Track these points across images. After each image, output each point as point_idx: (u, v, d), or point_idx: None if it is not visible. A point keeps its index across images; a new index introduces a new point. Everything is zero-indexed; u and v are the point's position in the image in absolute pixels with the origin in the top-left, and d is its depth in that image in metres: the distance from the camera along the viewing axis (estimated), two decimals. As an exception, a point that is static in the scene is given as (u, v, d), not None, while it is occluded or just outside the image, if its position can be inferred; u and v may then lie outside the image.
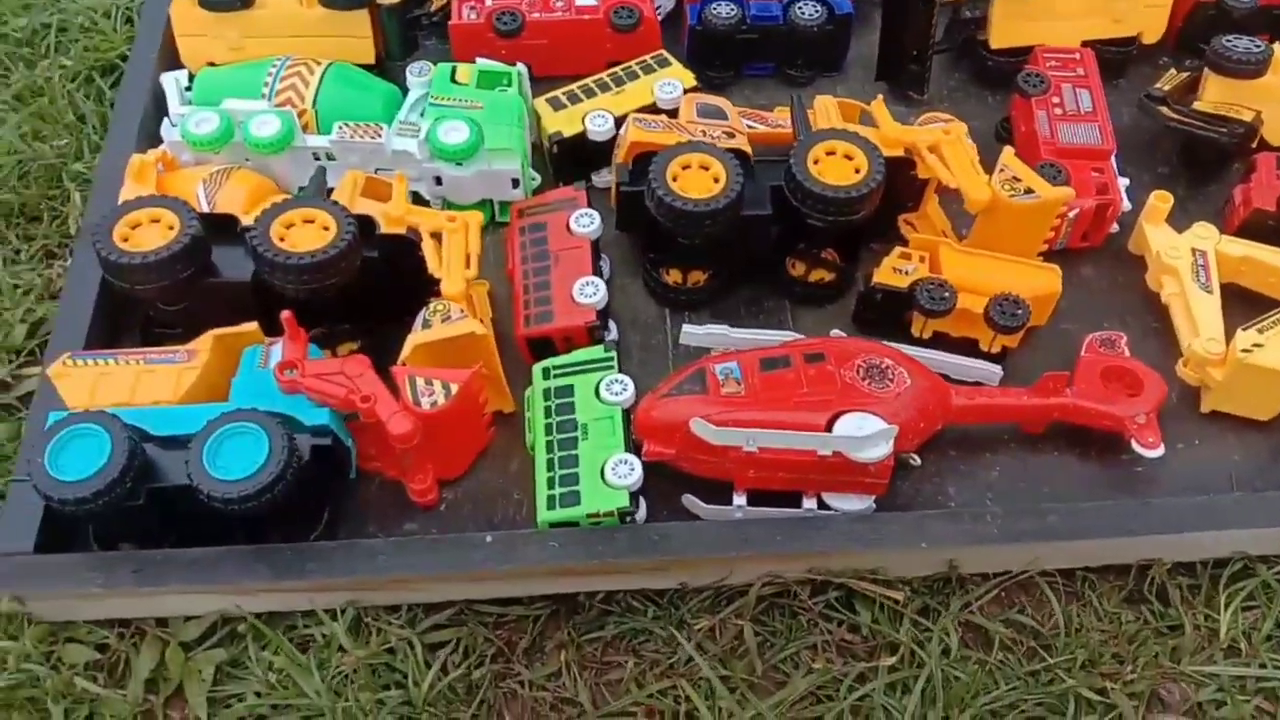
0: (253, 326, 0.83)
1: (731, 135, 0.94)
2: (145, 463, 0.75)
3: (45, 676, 0.77)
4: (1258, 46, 0.97)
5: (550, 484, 0.80)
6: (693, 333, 0.89)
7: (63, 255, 1.01)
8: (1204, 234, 0.92)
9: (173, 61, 1.06)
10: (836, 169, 0.87)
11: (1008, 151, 0.92)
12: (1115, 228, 0.99)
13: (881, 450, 0.78)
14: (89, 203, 0.97)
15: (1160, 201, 0.94)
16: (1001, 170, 0.91)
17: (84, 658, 0.79)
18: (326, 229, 0.83)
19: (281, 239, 0.82)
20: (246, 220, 0.87)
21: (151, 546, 0.79)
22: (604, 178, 1.02)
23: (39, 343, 0.96)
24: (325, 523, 0.82)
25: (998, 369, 0.90)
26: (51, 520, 0.80)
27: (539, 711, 0.79)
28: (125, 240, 0.81)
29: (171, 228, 0.82)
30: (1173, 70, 1.03)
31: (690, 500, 0.83)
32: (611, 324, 0.92)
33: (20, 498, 0.81)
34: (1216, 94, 1.00)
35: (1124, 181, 0.98)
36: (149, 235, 0.82)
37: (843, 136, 0.89)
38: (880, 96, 0.96)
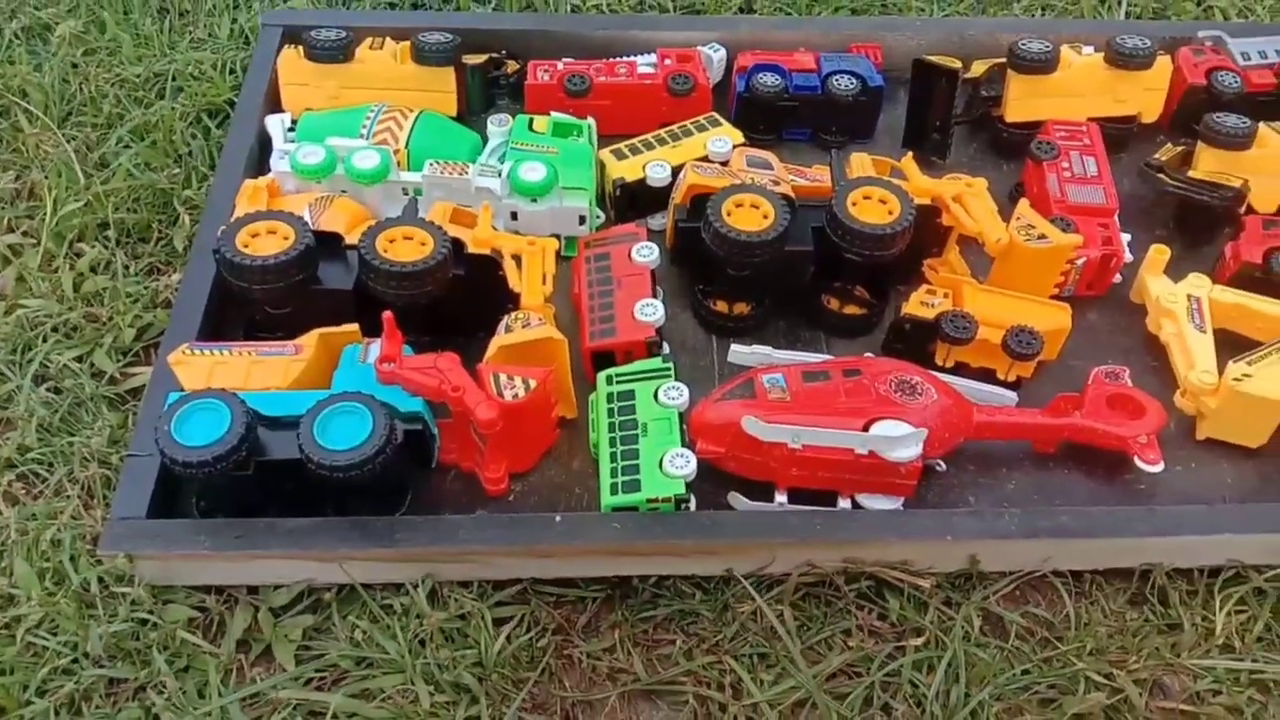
0: (353, 327, 0.94)
1: (777, 183, 1.06)
2: (258, 437, 0.85)
3: (153, 623, 0.85)
4: (1244, 123, 1.11)
5: (613, 473, 0.89)
6: (740, 352, 1.00)
7: (167, 272, 1.12)
8: (1198, 283, 1.04)
9: (276, 106, 1.19)
10: (872, 210, 0.99)
11: (1023, 203, 1.04)
12: (1118, 279, 1.10)
13: (912, 451, 0.87)
14: (200, 223, 1.08)
15: (1159, 254, 1.05)
16: (1018, 219, 1.02)
17: (184, 616, 0.87)
18: (424, 244, 0.94)
19: (385, 250, 0.93)
20: (350, 240, 0.98)
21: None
22: (659, 221, 1.13)
23: (144, 345, 1.06)
24: (408, 504, 0.91)
25: (1013, 395, 0.99)
26: (161, 491, 0.89)
27: (595, 680, 0.86)
28: (246, 246, 0.92)
29: (287, 238, 0.93)
30: (1169, 144, 1.16)
31: (735, 497, 0.93)
32: (665, 346, 1.02)
33: (135, 471, 0.90)
34: (1209, 164, 1.12)
35: (1126, 237, 1.09)
36: (267, 243, 0.93)
37: (878, 183, 1.01)
38: (910, 154, 1.09)
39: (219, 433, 0.82)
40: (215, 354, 0.92)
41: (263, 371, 0.91)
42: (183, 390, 0.89)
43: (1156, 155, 1.14)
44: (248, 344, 0.93)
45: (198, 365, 0.91)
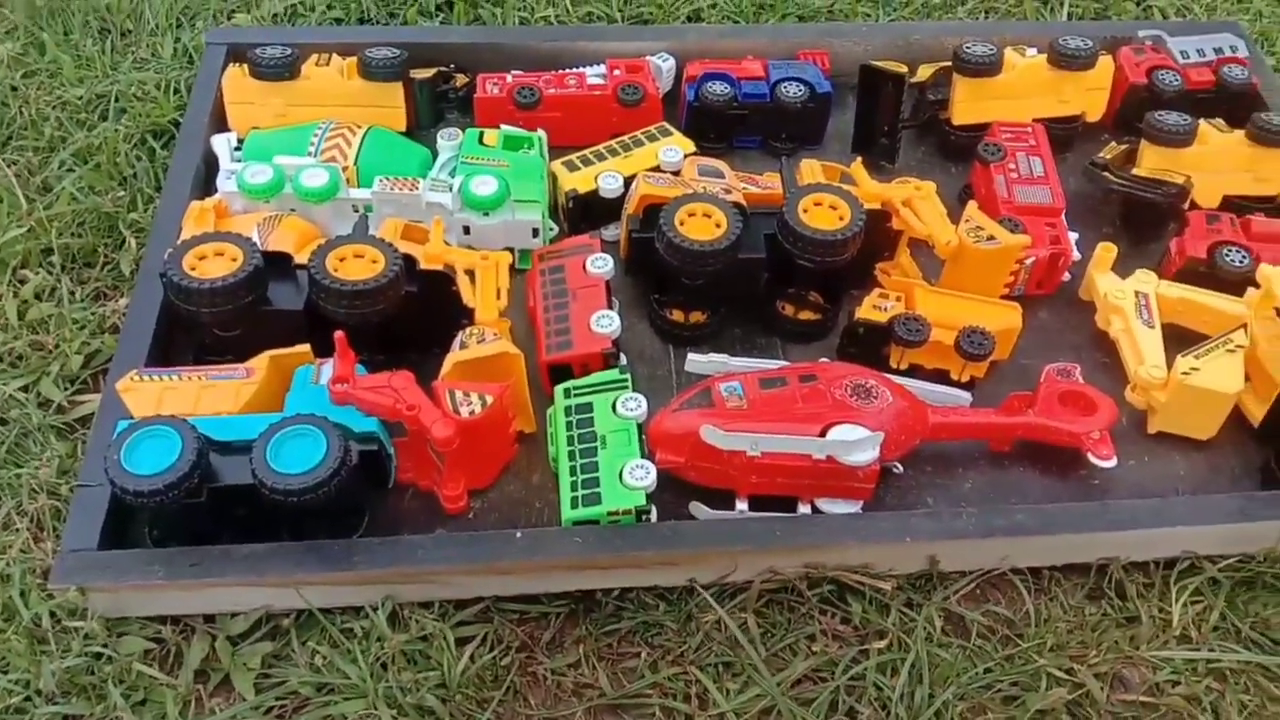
0: (305, 348, 0.92)
1: (729, 192, 1.06)
2: (210, 463, 0.84)
3: (108, 656, 0.83)
4: (1185, 120, 1.13)
5: (574, 487, 0.89)
6: (696, 360, 1.00)
7: (114, 296, 1.10)
8: (1145, 279, 1.05)
9: (221, 125, 1.18)
10: (823, 217, 0.99)
11: (972, 205, 1.05)
12: (1067, 277, 1.11)
13: (869, 454, 0.88)
14: (147, 246, 1.06)
15: (1106, 252, 1.07)
16: (967, 220, 1.03)
17: (140, 648, 0.85)
18: (375, 262, 0.93)
19: (336, 269, 0.92)
20: (299, 259, 0.97)
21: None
22: (612, 232, 1.13)
23: (92, 372, 1.04)
24: (365, 525, 0.90)
25: (967, 395, 1.00)
26: (113, 522, 0.88)
27: (560, 696, 0.86)
28: (193, 269, 0.91)
29: (235, 259, 0.92)
30: (1113, 143, 1.18)
31: (697, 507, 0.92)
32: (622, 356, 1.02)
33: (85, 501, 0.88)
34: (1152, 161, 1.14)
35: (1074, 235, 1.10)
36: (215, 266, 0.92)
37: (828, 189, 1.01)
38: (859, 159, 1.09)
39: (170, 460, 0.81)
40: (164, 379, 0.90)
41: (213, 396, 0.89)
42: (132, 417, 0.88)
43: (1101, 154, 1.16)
44: (197, 368, 0.92)
45: (147, 391, 0.89)
